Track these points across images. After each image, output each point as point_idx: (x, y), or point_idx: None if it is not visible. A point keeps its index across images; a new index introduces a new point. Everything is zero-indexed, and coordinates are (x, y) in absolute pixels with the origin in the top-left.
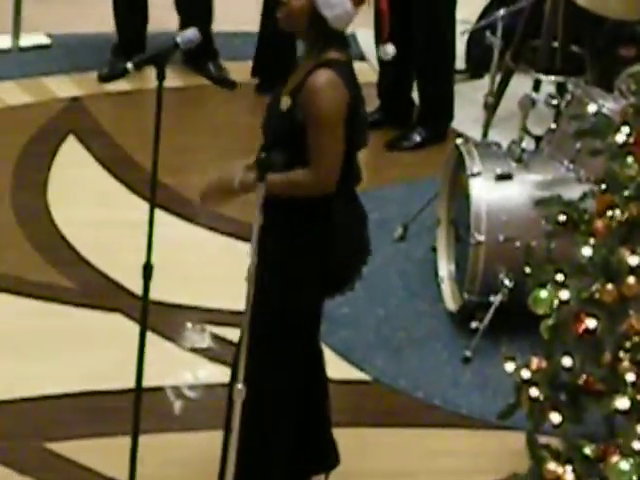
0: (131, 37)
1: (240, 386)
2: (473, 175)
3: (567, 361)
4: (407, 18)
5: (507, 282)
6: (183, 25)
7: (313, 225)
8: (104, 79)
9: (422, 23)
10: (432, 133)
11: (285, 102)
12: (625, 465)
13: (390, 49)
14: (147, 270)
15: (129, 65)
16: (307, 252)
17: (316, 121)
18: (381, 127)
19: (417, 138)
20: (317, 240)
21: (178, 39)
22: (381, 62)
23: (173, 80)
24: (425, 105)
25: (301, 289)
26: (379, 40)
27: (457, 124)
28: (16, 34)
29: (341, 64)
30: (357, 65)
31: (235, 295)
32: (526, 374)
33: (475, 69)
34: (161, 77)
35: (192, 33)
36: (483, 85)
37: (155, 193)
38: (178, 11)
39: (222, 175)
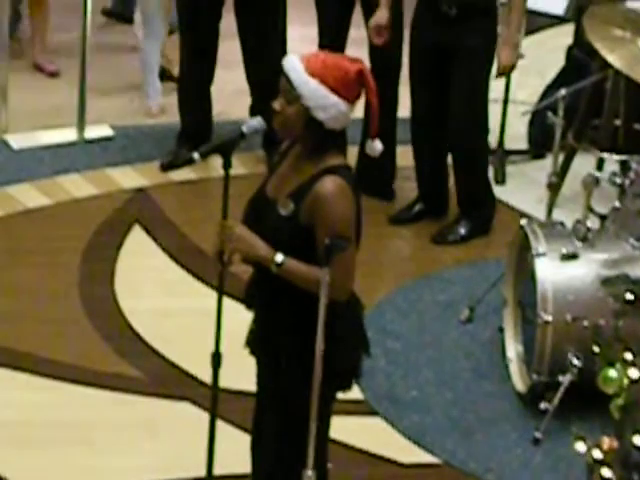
0: (195, 126)
1: (310, 473)
2: (538, 255)
3: (639, 440)
4: (442, 106)
5: (576, 362)
6: (254, 106)
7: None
8: (166, 168)
9: (457, 110)
10: (477, 225)
11: (287, 206)
12: None
13: (378, 146)
14: (216, 358)
15: (195, 155)
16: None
17: (332, 230)
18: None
19: (462, 231)
20: (325, 338)
21: (244, 128)
22: (417, 151)
23: (238, 168)
24: (465, 195)
25: (309, 388)
26: (367, 135)
27: (521, 205)
28: (81, 127)
29: (345, 170)
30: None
31: None
32: (598, 454)
33: (537, 149)
34: (227, 166)
35: (257, 122)
36: (546, 165)
37: (223, 281)
38: (251, 90)
39: (265, 248)
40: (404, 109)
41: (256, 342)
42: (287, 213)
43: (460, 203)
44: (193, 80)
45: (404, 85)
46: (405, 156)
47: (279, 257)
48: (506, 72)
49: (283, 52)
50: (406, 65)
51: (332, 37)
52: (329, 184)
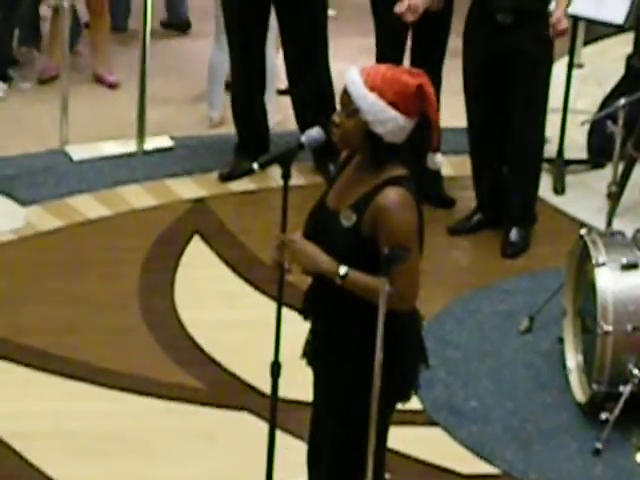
0: (251, 136)
1: None
2: (598, 265)
3: None
4: (499, 118)
5: (636, 372)
6: (300, 118)
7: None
8: (225, 179)
9: (517, 118)
10: (529, 232)
11: (348, 217)
12: None
13: (439, 159)
14: (275, 368)
15: (255, 165)
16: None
17: (395, 241)
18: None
19: (521, 240)
20: (385, 350)
21: (303, 139)
22: (475, 164)
23: (296, 178)
24: (519, 204)
25: (367, 399)
26: (428, 149)
27: (581, 214)
28: (140, 138)
29: (407, 180)
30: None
31: None
32: None
33: (597, 159)
34: (286, 176)
35: (317, 132)
36: (606, 175)
37: (282, 291)
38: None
39: (328, 261)
40: (457, 120)
41: (313, 353)
42: (349, 224)
43: (512, 213)
44: (244, 91)
45: (459, 95)
46: (463, 166)
47: (342, 269)
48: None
49: (326, 63)
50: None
51: (390, 48)
52: (392, 195)
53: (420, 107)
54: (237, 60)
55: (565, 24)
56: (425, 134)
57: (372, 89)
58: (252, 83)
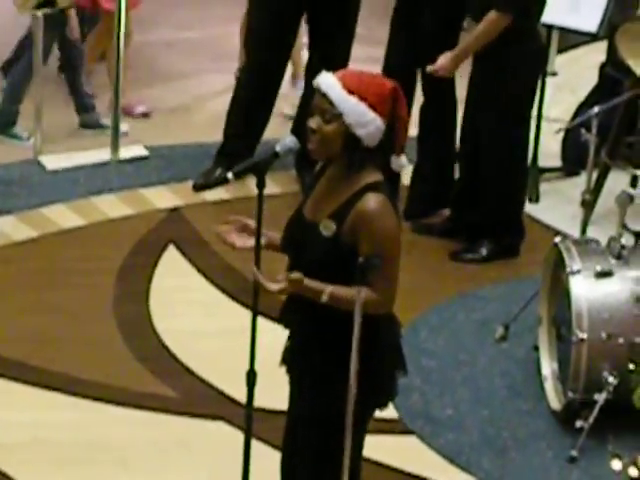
0: (237, 145)
1: None
2: (573, 273)
3: None
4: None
5: (611, 379)
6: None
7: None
8: (198, 188)
9: (485, 129)
10: (500, 248)
11: (328, 227)
12: None
13: (404, 161)
14: (250, 377)
15: (229, 175)
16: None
17: (380, 248)
18: (453, 236)
19: (483, 252)
20: (364, 357)
21: (277, 148)
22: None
23: (272, 187)
24: (490, 219)
25: (344, 406)
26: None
27: (555, 222)
28: (115, 147)
29: (385, 186)
30: None
31: None
32: (634, 472)
33: (571, 167)
34: (261, 185)
35: (291, 141)
36: (580, 183)
37: (257, 300)
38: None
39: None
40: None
41: (292, 359)
42: (329, 234)
43: (486, 224)
44: (254, 104)
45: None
46: None
47: (324, 297)
48: (434, 74)
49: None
50: None
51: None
52: (372, 201)
53: (392, 109)
54: (253, 75)
55: (439, 65)
56: (390, 137)
57: (351, 92)
58: (266, 98)
